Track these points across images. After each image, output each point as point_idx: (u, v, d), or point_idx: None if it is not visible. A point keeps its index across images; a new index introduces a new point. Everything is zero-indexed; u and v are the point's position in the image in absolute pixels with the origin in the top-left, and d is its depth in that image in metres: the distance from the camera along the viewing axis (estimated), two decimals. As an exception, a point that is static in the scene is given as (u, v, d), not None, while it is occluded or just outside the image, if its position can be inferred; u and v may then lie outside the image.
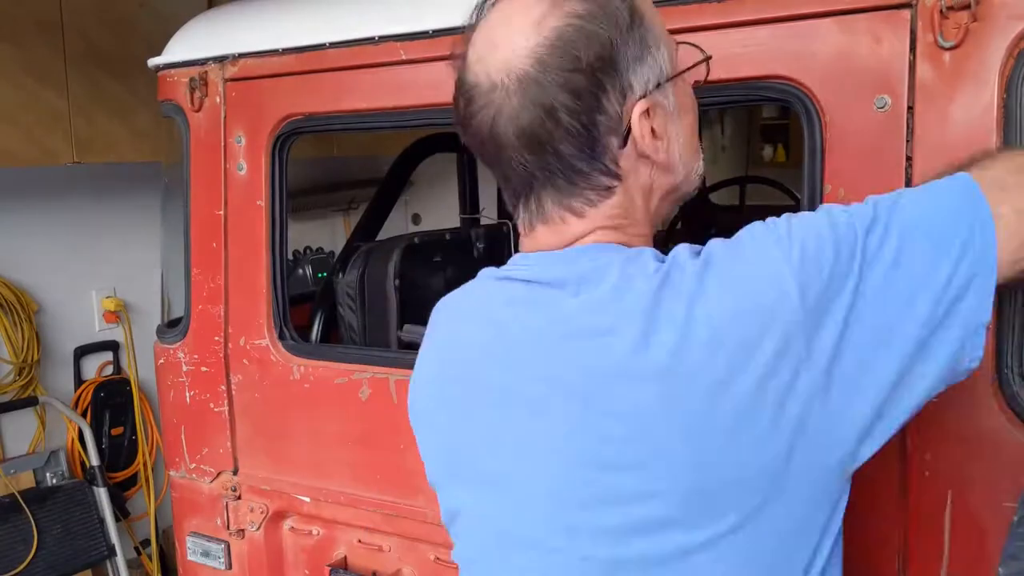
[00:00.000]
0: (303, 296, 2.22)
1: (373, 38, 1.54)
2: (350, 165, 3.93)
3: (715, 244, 0.84)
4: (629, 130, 0.86)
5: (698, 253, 0.84)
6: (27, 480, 3.05)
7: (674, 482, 0.78)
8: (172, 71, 1.79)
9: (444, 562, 1.64)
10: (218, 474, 1.86)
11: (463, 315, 1.00)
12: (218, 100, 1.73)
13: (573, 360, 0.83)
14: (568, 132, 0.84)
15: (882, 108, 1.13)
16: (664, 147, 0.89)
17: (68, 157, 2.90)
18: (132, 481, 3.44)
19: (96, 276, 3.32)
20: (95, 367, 3.37)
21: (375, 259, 2.03)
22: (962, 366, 0.80)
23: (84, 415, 3.25)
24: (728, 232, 0.87)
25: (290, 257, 2.30)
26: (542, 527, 0.86)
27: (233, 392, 1.80)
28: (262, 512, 1.81)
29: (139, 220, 3.30)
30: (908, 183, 1.12)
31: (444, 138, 2.61)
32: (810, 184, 1.20)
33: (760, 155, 6.28)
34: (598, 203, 0.89)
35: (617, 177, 0.88)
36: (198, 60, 1.75)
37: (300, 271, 3.52)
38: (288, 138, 1.70)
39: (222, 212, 1.76)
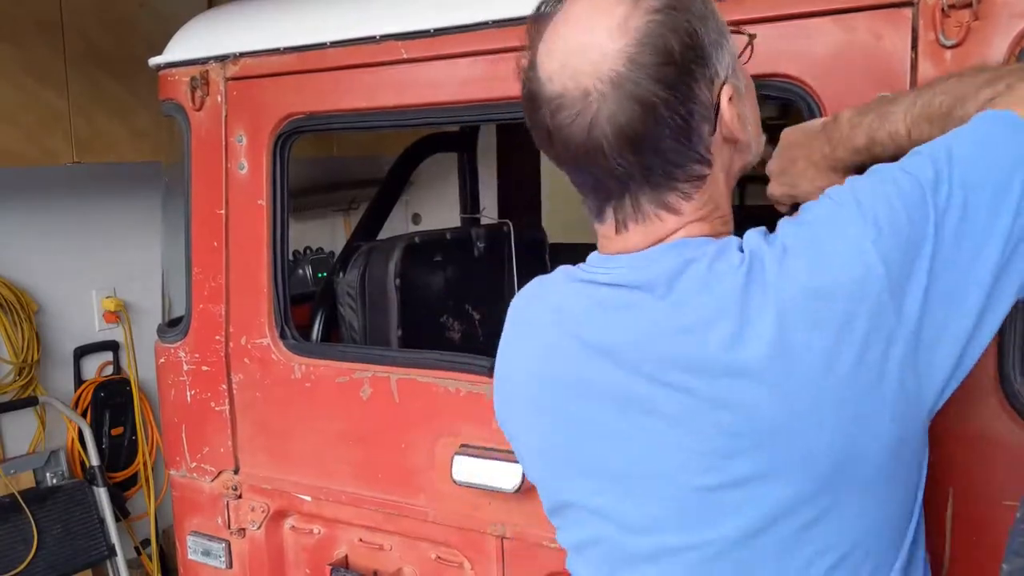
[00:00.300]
0: (303, 296, 2.22)
1: (374, 37, 1.55)
2: (350, 165, 3.92)
3: (787, 229, 0.86)
4: (716, 115, 0.88)
5: (770, 239, 0.86)
6: (27, 480, 3.05)
7: (792, 464, 0.82)
8: (173, 70, 1.79)
9: (445, 561, 1.65)
10: (219, 473, 1.86)
11: (549, 319, 1.00)
12: (219, 99, 1.74)
13: (674, 359, 0.86)
14: (667, 126, 0.85)
15: (883, 107, 1.13)
16: (743, 127, 0.91)
17: (68, 157, 2.90)
18: (132, 481, 3.43)
19: (96, 276, 3.32)
20: (95, 367, 3.36)
21: (375, 259, 2.03)
22: None
23: (84, 415, 3.25)
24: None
25: (290, 257, 2.30)
26: (664, 514, 0.90)
27: (234, 391, 1.80)
28: (263, 511, 1.81)
29: (139, 220, 3.30)
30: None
31: (444, 138, 2.62)
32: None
33: (760, 155, 6.27)
34: (691, 195, 0.90)
35: (709, 164, 0.89)
36: (199, 59, 1.75)
37: (300, 271, 3.52)
38: (289, 137, 1.70)
39: (223, 211, 1.76)
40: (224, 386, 1.80)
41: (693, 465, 0.86)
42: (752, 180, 1.19)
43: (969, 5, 1.07)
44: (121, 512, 3.29)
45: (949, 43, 1.09)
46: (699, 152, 0.88)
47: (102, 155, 3.00)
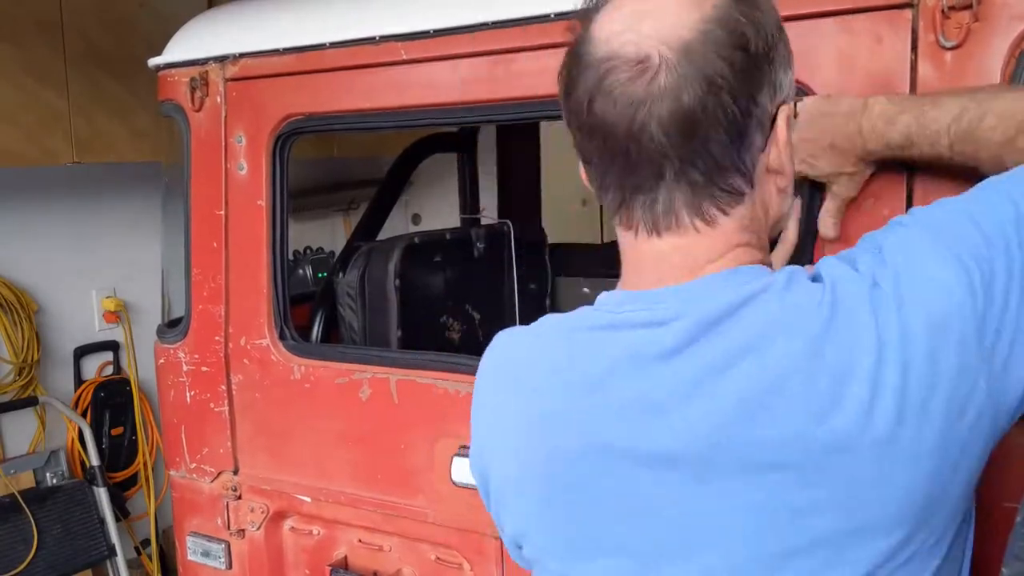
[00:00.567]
0: (303, 296, 2.22)
1: (373, 38, 1.54)
2: (350, 165, 3.93)
3: (863, 260, 0.79)
4: (772, 129, 0.81)
5: (846, 267, 0.78)
6: (27, 480, 3.05)
7: (884, 513, 0.75)
8: (172, 71, 1.79)
9: (444, 562, 1.64)
10: (218, 474, 1.85)
11: (550, 380, 0.86)
12: (218, 100, 1.73)
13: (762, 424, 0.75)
14: (724, 115, 0.75)
15: (883, 108, 1.13)
16: (790, 161, 0.83)
17: (68, 157, 2.90)
18: (132, 481, 3.43)
19: (96, 276, 3.32)
20: (95, 367, 3.36)
21: (375, 259, 2.03)
22: None
23: (84, 415, 3.25)
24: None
25: (290, 257, 2.30)
26: None
27: (233, 392, 1.80)
28: (262, 512, 1.81)
29: (139, 220, 3.30)
30: (909, 183, 1.12)
31: (444, 138, 2.62)
32: (810, 184, 1.20)
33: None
34: (728, 211, 0.79)
35: (751, 183, 0.80)
36: (199, 60, 1.75)
37: (300, 271, 3.52)
38: (289, 138, 1.69)
39: (223, 212, 1.76)
40: (223, 387, 1.80)
41: (767, 529, 0.77)
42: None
43: (969, 7, 1.07)
44: (121, 512, 3.29)
45: (949, 44, 1.09)
46: (744, 163, 0.78)
47: (102, 155, 3.00)
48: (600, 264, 2.59)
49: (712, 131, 0.76)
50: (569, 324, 0.86)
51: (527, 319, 0.98)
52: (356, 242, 2.23)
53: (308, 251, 3.77)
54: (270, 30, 1.68)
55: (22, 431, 3.12)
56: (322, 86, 1.63)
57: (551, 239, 2.68)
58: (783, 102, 0.81)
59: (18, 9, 2.74)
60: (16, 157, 2.75)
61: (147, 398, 3.42)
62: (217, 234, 1.76)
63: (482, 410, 0.95)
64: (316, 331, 2.03)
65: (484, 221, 2.54)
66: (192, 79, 1.75)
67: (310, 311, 2.06)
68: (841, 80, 1.16)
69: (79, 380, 3.31)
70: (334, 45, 1.59)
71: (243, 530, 1.84)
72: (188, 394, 1.85)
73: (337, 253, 2.86)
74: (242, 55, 1.70)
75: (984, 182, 0.83)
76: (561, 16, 1.33)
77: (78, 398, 3.28)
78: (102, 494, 3.13)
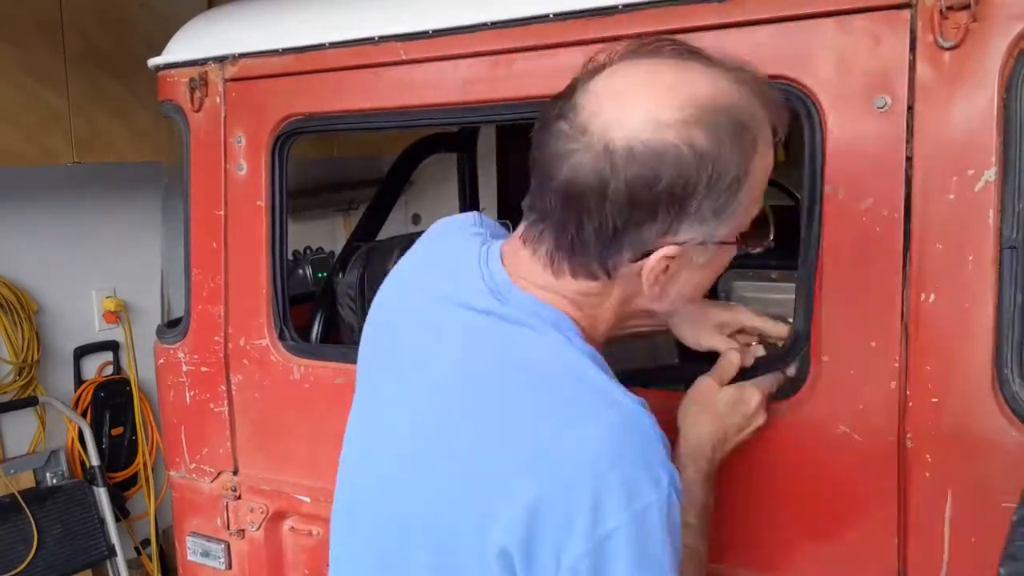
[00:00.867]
0: (303, 296, 2.22)
1: (373, 38, 1.54)
2: (350, 165, 3.93)
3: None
4: (645, 257, 0.90)
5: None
6: (27, 480, 3.06)
7: None
8: (172, 71, 1.79)
9: (444, 562, 1.64)
10: (218, 474, 1.86)
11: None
12: (218, 100, 1.73)
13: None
14: (600, 217, 0.87)
15: (882, 108, 1.13)
16: (663, 286, 0.93)
17: (68, 157, 2.90)
18: (132, 481, 3.44)
19: (96, 276, 3.32)
20: (95, 367, 3.37)
21: (375, 259, 2.03)
22: None
23: (84, 415, 3.25)
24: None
25: (290, 257, 2.30)
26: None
27: (233, 392, 1.80)
28: (262, 512, 1.81)
29: (139, 220, 3.30)
30: (908, 183, 1.12)
31: (444, 138, 2.62)
32: (810, 184, 1.20)
33: (760, 155, 6.26)
34: (577, 279, 0.94)
35: (608, 276, 0.93)
36: (198, 60, 1.75)
37: (300, 271, 3.51)
38: (288, 138, 1.69)
39: (222, 212, 1.76)
40: (223, 387, 1.80)
41: None
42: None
43: (967, 7, 1.07)
44: (121, 512, 3.29)
45: (947, 45, 1.09)
46: (606, 262, 0.91)
47: (102, 155, 3.01)
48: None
49: (587, 219, 0.88)
50: (466, 252, 1.05)
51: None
52: (356, 242, 2.23)
53: (308, 251, 3.77)
54: (270, 30, 1.68)
55: (22, 431, 3.13)
56: (322, 86, 1.63)
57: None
58: (677, 244, 0.89)
59: (18, 9, 2.74)
60: (16, 157, 2.76)
61: (147, 398, 3.42)
62: (217, 234, 1.76)
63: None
64: (316, 331, 2.03)
65: (484, 221, 2.54)
66: (192, 79, 1.75)
67: (310, 311, 2.06)
68: (840, 80, 1.16)
69: (79, 380, 3.31)
70: (334, 45, 1.59)
71: (243, 530, 1.84)
72: (188, 394, 1.85)
73: (337, 253, 2.86)
74: (242, 55, 1.70)
75: None
76: (561, 16, 1.33)
77: (78, 398, 3.28)
78: (102, 494, 3.14)
